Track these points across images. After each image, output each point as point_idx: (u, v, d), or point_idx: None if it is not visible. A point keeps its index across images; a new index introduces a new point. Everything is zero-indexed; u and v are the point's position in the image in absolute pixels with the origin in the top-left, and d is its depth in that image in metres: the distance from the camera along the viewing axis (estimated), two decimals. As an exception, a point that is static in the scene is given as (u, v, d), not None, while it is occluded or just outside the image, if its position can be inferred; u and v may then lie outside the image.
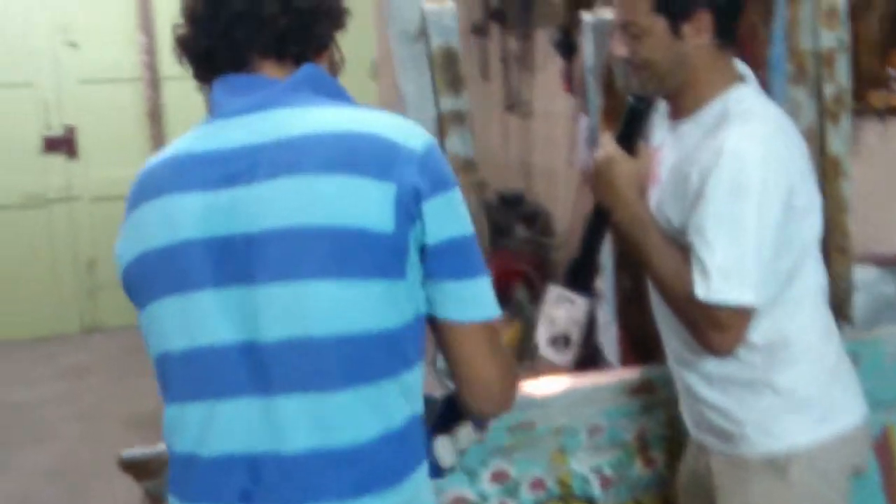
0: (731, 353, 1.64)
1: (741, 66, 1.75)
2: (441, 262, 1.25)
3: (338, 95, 1.31)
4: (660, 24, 1.64)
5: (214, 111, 1.28)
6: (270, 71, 1.30)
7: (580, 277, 1.88)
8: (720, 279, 1.55)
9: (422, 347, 1.30)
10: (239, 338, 1.20)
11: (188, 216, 1.22)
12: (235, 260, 1.20)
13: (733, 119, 1.63)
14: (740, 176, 1.56)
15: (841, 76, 1.97)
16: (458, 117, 1.91)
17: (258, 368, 1.20)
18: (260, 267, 1.19)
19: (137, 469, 1.80)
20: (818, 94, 1.98)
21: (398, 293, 1.21)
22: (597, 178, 1.74)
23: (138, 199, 1.28)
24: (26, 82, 4.98)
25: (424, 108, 1.89)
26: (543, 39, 5.20)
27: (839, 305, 2.09)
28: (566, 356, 5.73)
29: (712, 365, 1.71)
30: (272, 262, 1.19)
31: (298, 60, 1.31)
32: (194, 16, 1.29)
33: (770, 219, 1.57)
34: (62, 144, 5.23)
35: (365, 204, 1.19)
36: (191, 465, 1.25)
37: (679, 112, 1.74)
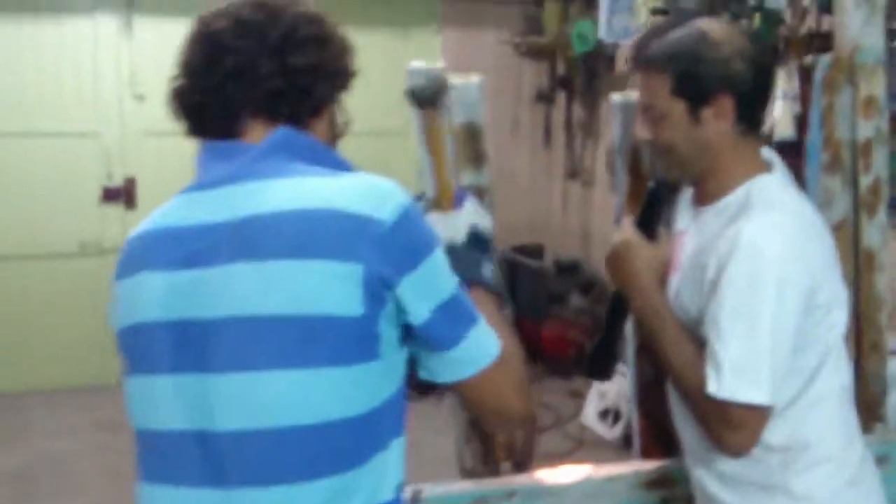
0: (745, 453, 1.57)
1: (768, 153, 1.71)
2: (431, 337, 1.21)
3: (318, 160, 1.25)
4: (679, 108, 1.61)
5: (195, 179, 1.27)
6: (259, 132, 1.26)
7: (600, 364, 1.82)
8: (733, 376, 1.50)
9: (400, 424, 1.26)
10: (193, 427, 1.18)
11: (153, 296, 1.20)
12: (192, 346, 1.17)
13: (754, 208, 1.58)
14: (757, 269, 1.51)
15: (878, 167, 1.90)
16: (479, 192, 1.88)
17: (213, 460, 1.17)
18: (214, 355, 1.16)
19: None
20: (854, 185, 1.91)
21: (371, 376, 1.18)
22: (614, 263, 1.70)
23: (119, 275, 1.27)
24: (93, 133, 5.13)
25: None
26: (608, 108, 5.20)
27: (872, 405, 1.99)
28: (615, 430, 5.61)
29: (727, 464, 1.63)
30: (227, 352, 1.15)
31: (291, 122, 1.27)
32: (189, 69, 1.27)
33: (787, 315, 1.51)
34: (121, 195, 5.36)
35: (328, 289, 1.14)
36: None
37: (702, 198, 1.69)
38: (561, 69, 5.72)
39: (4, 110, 5.06)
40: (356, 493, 1.18)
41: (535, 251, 5.79)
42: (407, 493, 1.64)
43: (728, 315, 1.51)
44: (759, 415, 1.52)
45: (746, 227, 1.54)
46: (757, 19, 3.95)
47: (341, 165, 1.28)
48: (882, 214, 1.92)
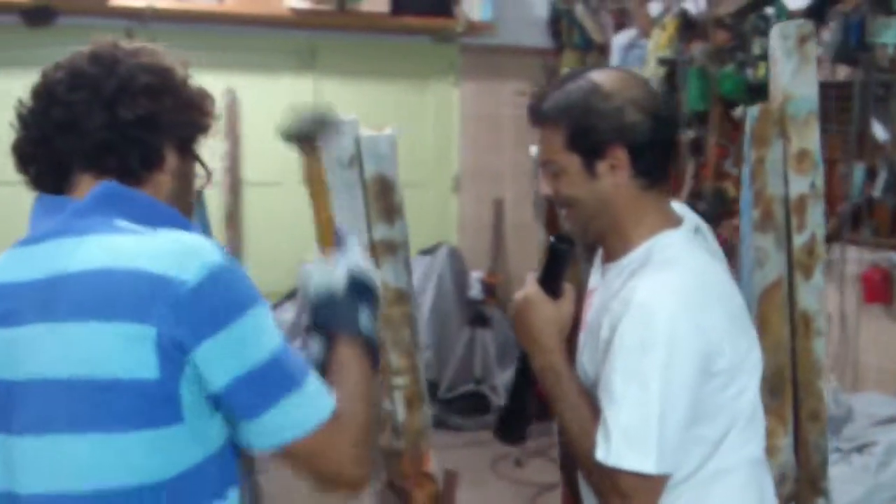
0: None
1: (680, 208, 1.62)
2: (232, 405, 1.15)
3: (142, 216, 1.21)
4: (575, 162, 1.54)
5: (26, 235, 1.24)
6: (88, 186, 1.22)
7: (512, 426, 1.74)
8: (620, 442, 1.41)
9: (221, 484, 1.19)
10: (1, 487, 1.15)
11: None
12: (2, 408, 1.14)
13: (650, 267, 1.50)
14: (646, 332, 1.42)
15: (814, 225, 1.80)
16: (391, 247, 1.83)
17: None
18: (16, 417, 1.13)
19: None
20: (788, 244, 1.81)
21: (176, 440, 1.13)
22: (515, 321, 1.62)
23: None
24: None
25: (358, 235, 1.82)
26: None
27: (813, 479, 1.86)
28: None
29: None
30: (28, 414, 1.13)
31: (124, 175, 1.23)
32: (23, 121, 1.25)
33: (679, 380, 1.41)
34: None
35: (120, 352, 1.10)
36: None
37: (608, 255, 1.62)
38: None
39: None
40: None
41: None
42: None
43: (618, 379, 1.43)
44: (649, 484, 1.42)
45: (639, 286, 1.46)
46: (762, 69, 3.86)
47: (170, 221, 1.23)
48: (818, 276, 1.80)
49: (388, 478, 1.90)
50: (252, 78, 5.22)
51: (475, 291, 5.02)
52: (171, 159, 1.28)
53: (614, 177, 1.52)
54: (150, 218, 1.22)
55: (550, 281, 1.61)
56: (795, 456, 1.86)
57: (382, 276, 1.83)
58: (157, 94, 1.25)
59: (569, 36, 5.47)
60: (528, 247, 5.44)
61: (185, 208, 1.32)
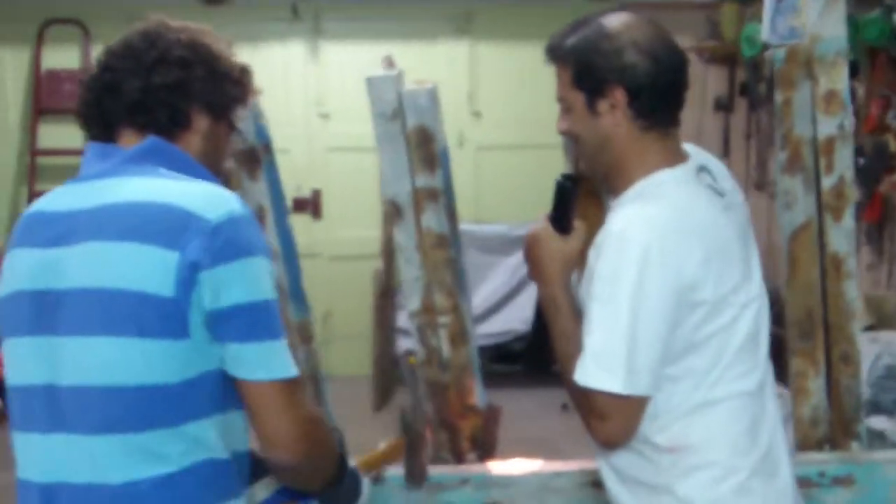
0: (616, 444, 1.56)
1: (693, 150, 1.66)
2: (224, 327, 1.34)
3: (179, 167, 1.43)
4: (580, 100, 1.61)
5: (78, 173, 1.47)
6: (130, 139, 1.45)
7: (536, 361, 1.85)
8: (591, 363, 1.49)
9: (222, 400, 1.39)
10: (44, 381, 1.37)
11: (24, 270, 1.41)
12: (47, 312, 1.37)
13: (635, 200, 1.56)
14: (619, 259, 1.48)
15: (842, 166, 1.78)
16: (432, 194, 1.97)
17: (56, 408, 1.36)
18: (62, 321, 1.36)
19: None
20: (816, 186, 1.80)
21: (180, 351, 1.32)
22: (525, 255, 1.73)
23: (9, 246, 1.49)
24: (284, 149, 5.56)
25: (401, 183, 1.98)
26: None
27: (845, 422, 1.85)
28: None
29: (621, 459, 1.61)
30: (71, 318, 1.35)
31: (158, 132, 1.45)
32: (83, 83, 1.50)
33: (649, 304, 1.47)
34: (308, 205, 5.78)
35: (148, 271, 1.31)
36: (20, 488, 1.44)
37: (613, 193, 1.68)
38: (742, 75, 5.50)
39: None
40: (167, 453, 1.34)
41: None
42: (371, 474, 1.78)
43: (594, 305, 1.51)
44: (622, 404, 1.49)
45: (618, 216, 1.53)
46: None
47: (201, 176, 1.44)
48: (848, 218, 1.78)
49: (435, 411, 2.05)
50: (408, 45, 5.42)
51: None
52: (202, 122, 1.48)
53: (613, 116, 1.58)
54: (186, 170, 1.44)
55: (559, 217, 1.69)
56: (828, 399, 1.85)
57: (424, 222, 1.98)
58: (188, 64, 1.45)
59: (728, -11, 5.32)
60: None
61: (214, 167, 1.52)
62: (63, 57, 5.53)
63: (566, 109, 1.64)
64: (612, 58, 1.55)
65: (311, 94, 5.73)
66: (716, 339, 1.53)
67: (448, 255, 1.98)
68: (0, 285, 1.46)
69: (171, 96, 1.45)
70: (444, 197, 1.98)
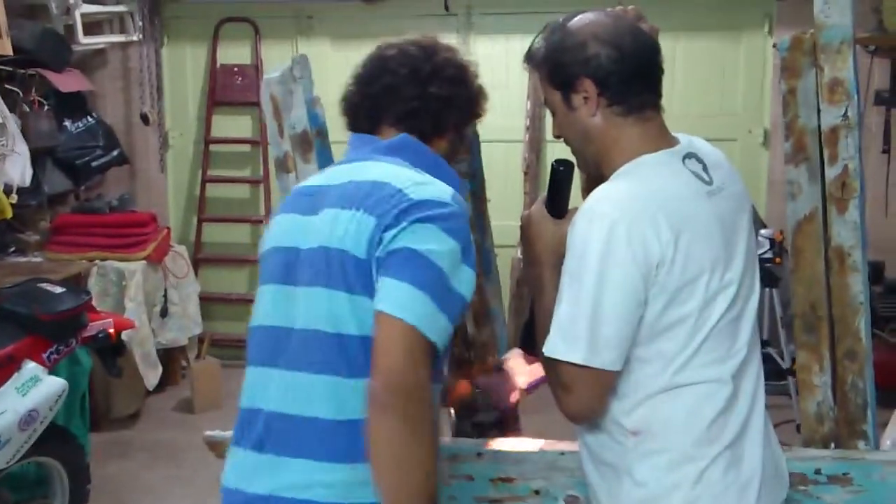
0: (580, 418, 1.62)
1: (683, 137, 1.68)
2: (382, 267, 1.47)
3: (420, 161, 1.62)
4: (558, 99, 1.68)
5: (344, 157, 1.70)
6: (390, 135, 1.65)
7: (533, 339, 1.91)
8: (555, 335, 1.56)
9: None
10: (283, 324, 1.58)
11: (281, 231, 1.64)
12: (291, 266, 1.58)
13: (611, 180, 1.60)
14: (587, 234, 1.53)
15: (847, 157, 1.73)
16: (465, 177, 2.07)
17: (286, 348, 1.56)
18: (299, 273, 1.56)
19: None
20: (821, 178, 1.76)
21: (369, 307, 1.47)
22: (520, 236, 1.80)
23: (277, 211, 1.71)
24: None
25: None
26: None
27: (851, 421, 1.79)
28: None
29: (591, 439, 1.67)
30: (305, 271, 1.55)
31: (421, 134, 1.65)
32: (359, 79, 1.71)
33: (612, 279, 1.51)
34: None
35: (353, 232, 1.49)
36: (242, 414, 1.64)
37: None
38: (905, 67, 5.16)
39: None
40: (361, 397, 1.45)
41: (874, 269, 5.26)
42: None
43: (565, 278, 1.56)
44: (586, 376, 1.53)
45: (591, 194, 1.58)
46: None
47: (443, 173, 1.62)
48: (854, 210, 1.73)
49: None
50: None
51: (764, 250, 4.86)
52: (451, 133, 1.70)
53: (588, 107, 1.64)
54: (429, 166, 1.63)
55: (554, 201, 1.76)
56: (833, 396, 1.80)
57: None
58: (457, 83, 1.69)
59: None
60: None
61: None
62: (235, 53, 5.99)
63: (552, 113, 1.71)
64: (577, 52, 1.62)
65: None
66: (686, 322, 1.55)
67: (473, 236, 2.07)
68: (266, 242, 1.69)
69: (441, 107, 1.66)
70: (469, 179, 2.07)
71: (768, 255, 4.91)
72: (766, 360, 5.05)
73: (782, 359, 4.89)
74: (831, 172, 1.73)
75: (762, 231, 5.00)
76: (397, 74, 1.64)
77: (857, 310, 1.74)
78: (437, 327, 1.45)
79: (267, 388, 1.57)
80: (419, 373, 1.43)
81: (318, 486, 1.49)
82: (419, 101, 1.63)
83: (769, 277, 4.91)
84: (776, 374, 4.88)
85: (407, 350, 1.42)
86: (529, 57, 1.72)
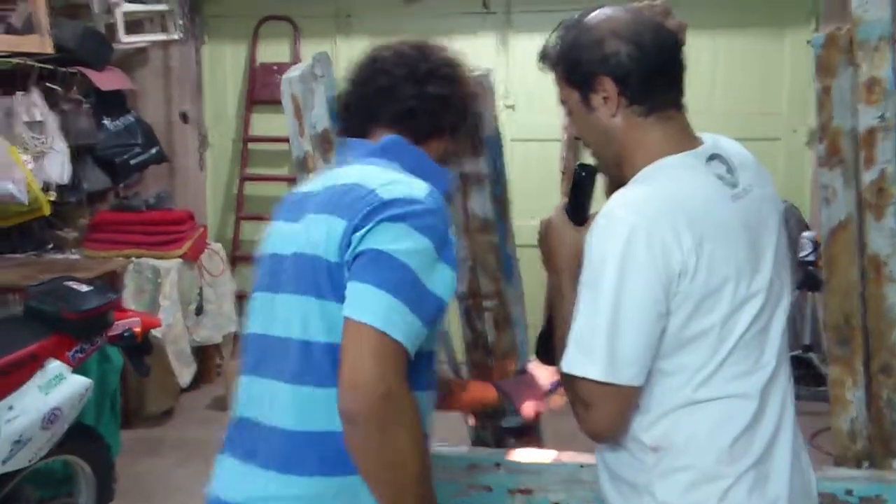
0: (602, 436, 1.54)
1: (709, 137, 1.60)
2: (351, 268, 1.42)
3: (413, 163, 1.57)
4: (575, 98, 1.61)
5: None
6: (381, 137, 1.61)
7: (549, 348, 1.84)
8: (573, 349, 1.48)
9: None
10: (264, 332, 1.55)
11: (273, 237, 1.60)
12: (275, 273, 1.55)
13: (631, 184, 1.53)
14: (605, 241, 1.45)
15: (884, 160, 1.64)
16: (478, 178, 2.01)
17: (265, 356, 1.53)
18: (281, 281, 1.52)
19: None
20: (856, 181, 1.67)
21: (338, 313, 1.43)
22: (539, 243, 1.73)
23: (273, 218, 1.65)
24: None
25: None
26: None
27: (886, 438, 1.70)
28: None
29: (609, 456, 1.60)
30: (283, 278, 1.52)
31: (416, 136, 1.61)
32: (354, 81, 1.67)
33: (631, 289, 1.43)
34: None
35: (324, 236, 1.45)
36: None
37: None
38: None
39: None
40: (327, 407, 1.41)
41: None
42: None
43: (582, 289, 1.49)
44: (605, 392, 1.45)
45: (611, 199, 1.51)
46: None
47: (431, 173, 1.57)
48: (891, 217, 1.63)
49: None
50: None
51: (807, 252, 4.74)
52: (447, 133, 1.65)
53: (608, 107, 1.56)
54: (416, 166, 1.58)
55: (575, 207, 1.69)
56: (867, 412, 1.71)
57: (470, 206, 2.03)
58: (453, 82, 1.64)
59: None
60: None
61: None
62: (275, 52, 5.99)
63: (568, 112, 1.64)
64: (594, 49, 1.54)
65: (499, 86, 5.83)
66: (710, 334, 1.47)
67: (492, 239, 2.01)
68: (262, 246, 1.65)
69: (438, 107, 1.62)
70: (490, 182, 2.01)
71: (811, 258, 4.78)
72: (807, 365, 4.96)
73: (825, 364, 4.76)
74: (867, 177, 1.64)
75: (805, 233, 4.87)
76: (393, 75, 1.61)
77: (893, 322, 1.65)
78: (406, 330, 1.37)
79: (248, 396, 1.56)
80: (388, 378, 1.34)
81: (274, 499, 1.45)
82: (416, 100, 1.60)
83: (812, 280, 4.79)
84: (816, 380, 4.76)
85: (373, 356, 1.34)
86: (544, 56, 1.65)
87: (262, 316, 1.56)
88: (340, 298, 1.41)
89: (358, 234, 1.41)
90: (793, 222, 5.03)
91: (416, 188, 1.47)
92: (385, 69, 1.62)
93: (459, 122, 1.67)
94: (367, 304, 1.37)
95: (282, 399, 1.48)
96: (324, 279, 1.44)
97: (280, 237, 1.57)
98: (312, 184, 1.61)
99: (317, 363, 1.44)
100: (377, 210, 1.42)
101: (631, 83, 1.54)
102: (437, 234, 1.45)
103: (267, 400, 1.50)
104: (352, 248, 1.41)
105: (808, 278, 4.78)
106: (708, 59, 5.45)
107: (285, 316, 1.49)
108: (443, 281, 1.44)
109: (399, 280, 1.39)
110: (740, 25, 5.45)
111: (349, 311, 1.38)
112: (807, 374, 4.82)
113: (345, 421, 1.36)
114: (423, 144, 1.62)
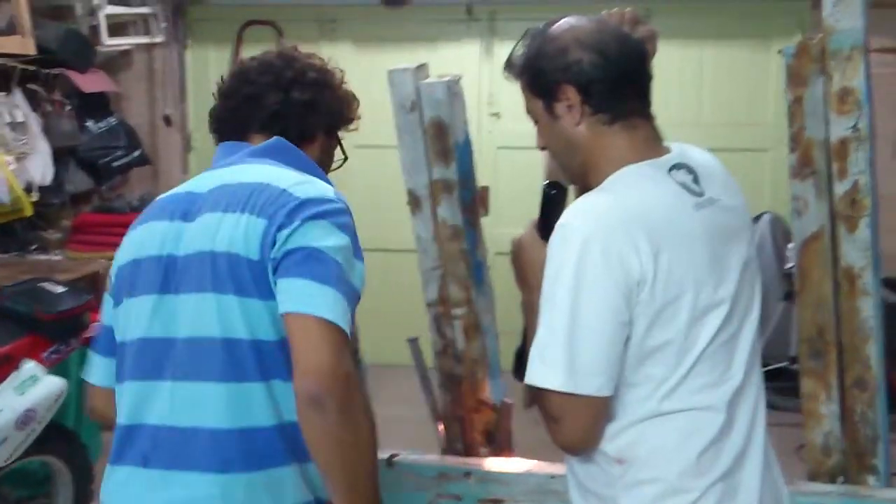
0: (573, 449, 1.51)
1: (676, 146, 1.58)
2: (279, 268, 1.44)
3: (293, 163, 1.59)
4: (540, 108, 1.59)
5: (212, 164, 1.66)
6: (259, 142, 1.62)
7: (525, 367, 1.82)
8: (535, 361, 1.46)
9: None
10: (164, 335, 1.52)
11: (155, 239, 1.56)
12: (170, 274, 1.53)
13: (590, 193, 1.51)
14: (561, 251, 1.44)
15: (857, 171, 1.62)
16: (447, 186, 1.99)
17: (171, 359, 1.51)
18: (178, 281, 1.51)
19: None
20: (829, 193, 1.65)
21: (270, 311, 1.45)
22: (512, 261, 1.71)
23: (137, 223, 1.64)
24: (457, 146, 5.71)
25: (419, 174, 2.00)
26: None
27: (860, 453, 1.68)
28: None
29: (578, 467, 1.57)
30: (186, 278, 1.51)
31: (286, 139, 1.62)
32: (221, 94, 1.68)
33: (588, 297, 1.41)
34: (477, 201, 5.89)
35: (242, 235, 1.46)
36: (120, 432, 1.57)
37: (592, 194, 1.64)
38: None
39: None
40: (254, 403, 1.46)
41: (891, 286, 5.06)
42: (385, 454, 1.86)
43: (542, 300, 1.47)
44: (572, 404, 1.43)
45: (568, 209, 1.49)
46: None
47: (313, 173, 1.60)
48: (864, 229, 1.62)
49: (449, 403, 2.06)
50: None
51: (791, 264, 4.72)
52: (320, 138, 1.68)
53: (572, 116, 1.54)
54: (302, 167, 1.60)
55: (545, 224, 1.67)
56: (842, 426, 1.69)
57: (440, 214, 2.00)
58: (320, 87, 1.66)
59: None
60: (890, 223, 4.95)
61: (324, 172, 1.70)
62: (259, 55, 5.96)
63: (535, 123, 1.62)
64: (558, 58, 1.52)
65: (484, 93, 5.82)
66: (673, 344, 1.45)
67: (462, 247, 1.99)
68: (132, 251, 1.61)
69: (305, 112, 1.65)
70: (459, 189, 1.99)
71: (796, 270, 4.76)
72: (792, 377, 4.93)
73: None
74: (840, 188, 1.62)
75: (790, 245, 4.86)
76: (258, 84, 1.64)
77: (867, 336, 1.63)
78: (346, 320, 1.44)
79: (151, 401, 1.52)
80: (345, 363, 1.40)
81: (209, 498, 1.45)
82: (281, 106, 1.63)
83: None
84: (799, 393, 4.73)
85: (330, 344, 1.40)
86: (509, 65, 1.64)
87: (157, 320, 1.53)
88: (263, 295, 1.45)
89: (283, 232, 1.45)
90: (779, 233, 5.01)
91: (324, 188, 1.53)
92: (251, 79, 1.65)
93: (332, 126, 1.70)
94: (313, 298, 1.42)
95: (206, 399, 1.48)
96: (245, 277, 1.46)
97: (166, 238, 1.55)
98: (191, 185, 1.60)
99: (240, 360, 1.47)
100: (298, 209, 1.46)
101: (594, 92, 1.52)
102: (351, 231, 1.52)
103: (181, 402, 1.49)
104: (278, 245, 1.45)
105: (793, 290, 4.76)
106: (695, 71, 5.44)
107: (197, 316, 1.49)
108: (359, 275, 1.52)
109: (334, 274, 1.44)
110: (727, 37, 5.44)
111: (295, 305, 1.42)
112: (793, 385, 4.79)
113: (309, 406, 1.39)
114: (300, 148, 1.65)
